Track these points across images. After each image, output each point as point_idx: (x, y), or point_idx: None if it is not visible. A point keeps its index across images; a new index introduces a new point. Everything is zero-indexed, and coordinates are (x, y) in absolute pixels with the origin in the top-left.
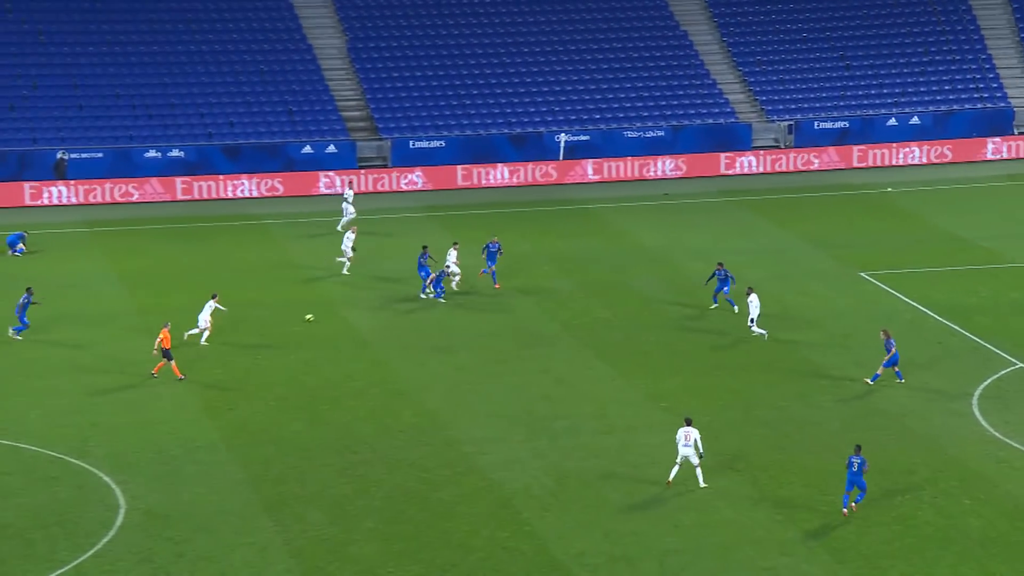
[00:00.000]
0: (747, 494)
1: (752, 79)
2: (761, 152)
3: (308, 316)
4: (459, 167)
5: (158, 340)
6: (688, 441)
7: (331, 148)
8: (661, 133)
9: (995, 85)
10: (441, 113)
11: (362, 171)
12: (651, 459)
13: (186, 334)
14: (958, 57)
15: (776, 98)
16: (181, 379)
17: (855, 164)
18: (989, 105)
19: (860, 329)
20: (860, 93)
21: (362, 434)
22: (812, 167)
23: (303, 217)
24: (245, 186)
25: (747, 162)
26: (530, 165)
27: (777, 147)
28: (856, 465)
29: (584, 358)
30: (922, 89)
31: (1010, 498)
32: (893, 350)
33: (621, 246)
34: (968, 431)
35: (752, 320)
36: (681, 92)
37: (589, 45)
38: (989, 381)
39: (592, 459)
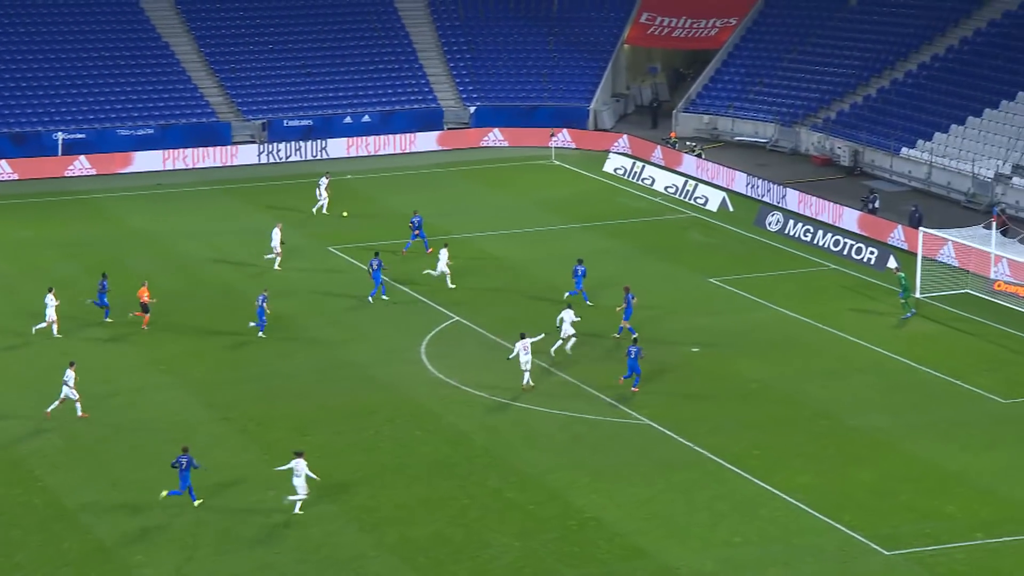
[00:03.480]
0: (238, 441)
1: (228, 83)
2: (240, 146)
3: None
4: None
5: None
6: (527, 351)
7: None
8: (150, 131)
9: (427, 89)
10: None
11: None
12: (155, 415)
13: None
14: (396, 66)
15: (250, 100)
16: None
17: (320, 156)
18: (423, 105)
19: (330, 296)
20: (320, 95)
21: None
22: (286, 159)
23: None
24: None
25: (229, 154)
26: (31, 160)
27: (253, 142)
28: (633, 353)
29: (89, 331)
30: (371, 92)
31: (451, 427)
32: (632, 303)
33: (118, 231)
34: (419, 375)
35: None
36: (167, 95)
37: (79, 53)
38: (434, 332)
39: (100, 420)
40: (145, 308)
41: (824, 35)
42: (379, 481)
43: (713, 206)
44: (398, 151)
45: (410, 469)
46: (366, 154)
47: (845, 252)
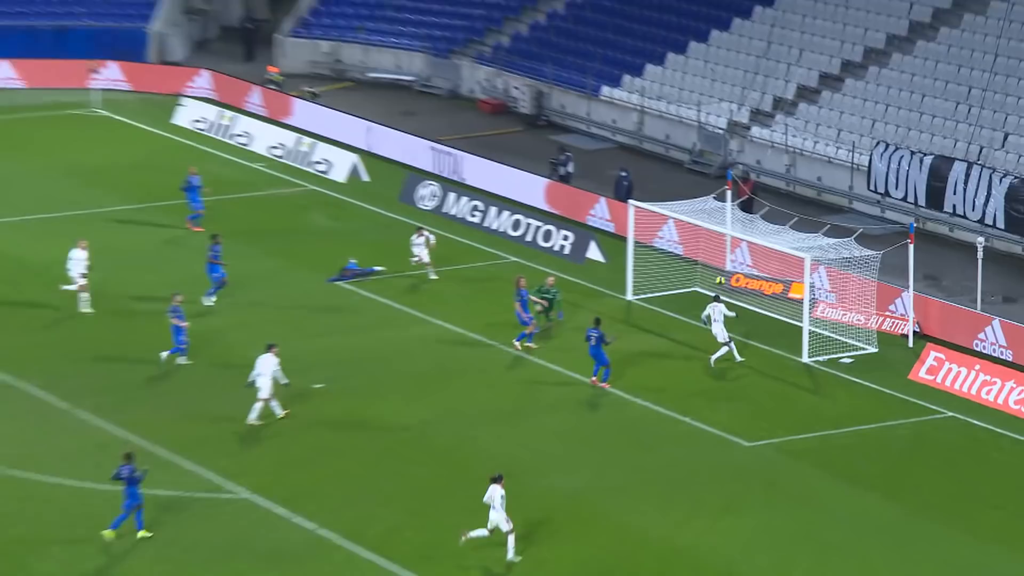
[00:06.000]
0: None
1: None
2: None
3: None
4: None
5: None
6: (264, 370)
7: None
8: None
9: None
10: None
11: None
12: None
13: None
14: None
15: None
16: None
17: None
18: None
19: None
20: None
21: None
22: None
23: None
24: None
25: None
26: None
27: None
28: (593, 338)
29: None
30: None
31: None
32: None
33: None
34: None
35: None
36: None
37: None
38: None
39: None
40: None
41: None
42: None
43: (340, 175)
44: None
45: None
46: None
47: (529, 237)
